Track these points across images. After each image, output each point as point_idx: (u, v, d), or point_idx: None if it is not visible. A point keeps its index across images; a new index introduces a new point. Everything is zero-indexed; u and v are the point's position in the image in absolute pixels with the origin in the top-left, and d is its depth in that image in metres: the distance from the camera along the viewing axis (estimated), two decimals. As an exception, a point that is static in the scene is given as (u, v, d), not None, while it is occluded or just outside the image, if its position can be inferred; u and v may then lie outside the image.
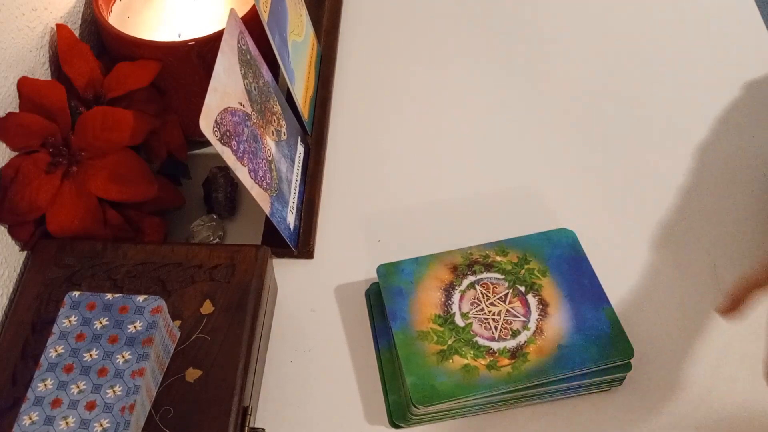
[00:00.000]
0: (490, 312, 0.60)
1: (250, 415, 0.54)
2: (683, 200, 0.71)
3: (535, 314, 0.59)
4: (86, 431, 0.47)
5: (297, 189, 0.69)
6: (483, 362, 0.57)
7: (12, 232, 0.61)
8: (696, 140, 0.75)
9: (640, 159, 0.74)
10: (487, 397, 0.56)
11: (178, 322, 0.56)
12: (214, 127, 0.55)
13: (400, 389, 0.59)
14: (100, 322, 0.52)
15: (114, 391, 0.49)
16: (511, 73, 0.82)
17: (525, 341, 0.58)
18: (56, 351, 0.51)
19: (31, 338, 0.55)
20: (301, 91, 0.72)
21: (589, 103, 0.79)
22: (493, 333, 0.58)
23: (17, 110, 0.62)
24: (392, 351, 0.60)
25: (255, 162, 0.61)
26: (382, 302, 0.61)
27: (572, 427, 0.58)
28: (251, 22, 0.64)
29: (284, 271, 0.66)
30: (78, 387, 0.49)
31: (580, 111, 0.78)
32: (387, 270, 0.62)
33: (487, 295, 0.60)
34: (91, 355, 0.50)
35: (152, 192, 0.63)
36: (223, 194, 0.70)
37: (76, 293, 0.53)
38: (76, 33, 0.71)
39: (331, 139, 0.77)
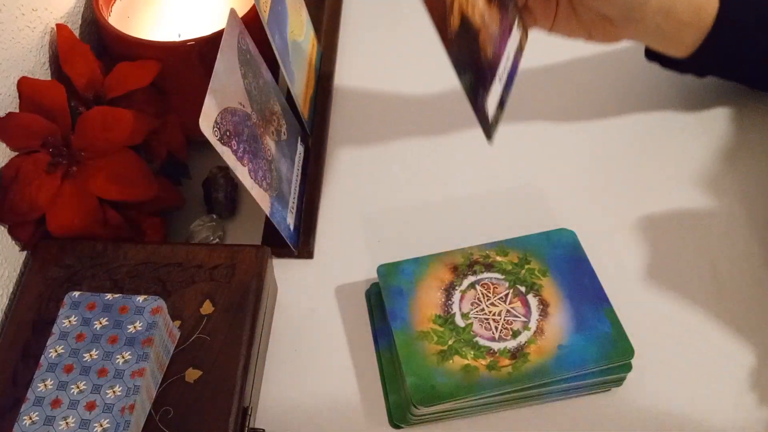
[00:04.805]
0: (490, 312, 0.60)
1: (250, 415, 0.54)
2: (683, 200, 0.70)
3: (535, 314, 0.59)
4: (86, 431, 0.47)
5: (297, 189, 0.69)
6: (483, 362, 0.57)
7: (12, 232, 0.61)
8: (695, 140, 0.75)
9: (641, 158, 0.74)
10: (488, 397, 0.56)
11: (178, 323, 0.56)
12: (214, 127, 0.55)
13: (400, 390, 0.59)
14: (100, 323, 0.52)
15: (114, 392, 0.49)
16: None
17: (525, 341, 0.58)
18: (56, 351, 0.51)
19: (31, 338, 0.55)
20: (301, 91, 0.72)
21: (591, 103, 0.79)
22: (493, 333, 0.58)
23: (17, 110, 0.62)
24: (392, 351, 0.60)
25: (255, 162, 0.60)
26: (383, 302, 0.61)
27: (572, 428, 0.58)
28: (251, 21, 0.64)
29: (284, 271, 0.66)
30: (78, 387, 0.49)
31: (580, 110, 0.78)
32: (387, 270, 0.62)
33: (487, 295, 0.60)
34: (91, 356, 0.50)
35: (152, 192, 0.63)
36: (223, 194, 0.70)
37: (76, 293, 0.53)
38: (77, 33, 0.71)
39: (331, 139, 0.77)
